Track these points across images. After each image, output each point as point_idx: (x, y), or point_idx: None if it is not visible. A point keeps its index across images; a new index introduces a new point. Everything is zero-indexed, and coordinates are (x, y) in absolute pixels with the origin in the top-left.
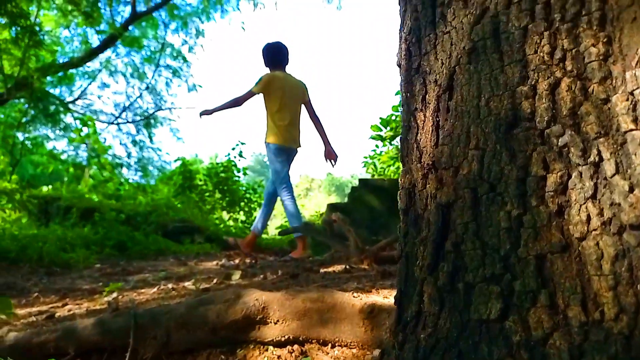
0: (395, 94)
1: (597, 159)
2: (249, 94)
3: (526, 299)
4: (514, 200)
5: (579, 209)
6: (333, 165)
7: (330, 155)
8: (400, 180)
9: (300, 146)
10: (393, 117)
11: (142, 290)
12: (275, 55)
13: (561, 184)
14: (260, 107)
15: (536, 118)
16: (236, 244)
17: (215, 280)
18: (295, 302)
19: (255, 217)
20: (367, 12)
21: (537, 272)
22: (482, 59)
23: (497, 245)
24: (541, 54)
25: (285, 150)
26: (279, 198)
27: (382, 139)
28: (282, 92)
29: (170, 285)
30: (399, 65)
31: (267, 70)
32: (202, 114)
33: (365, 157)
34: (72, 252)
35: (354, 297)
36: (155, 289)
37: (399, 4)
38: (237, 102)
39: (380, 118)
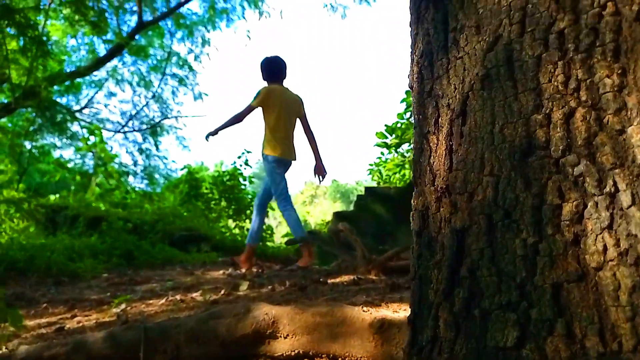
0: (401, 102)
1: (613, 189)
2: (249, 109)
3: (543, 328)
4: (530, 228)
5: (595, 239)
6: (320, 181)
7: (320, 171)
8: (413, 202)
9: (295, 159)
10: (398, 125)
11: (151, 301)
12: (274, 69)
13: (577, 213)
14: (262, 118)
15: (551, 147)
16: (235, 262)
17: (223, 291)
18: (305, 317)
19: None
20: (372, 20)
21: (554, 300)
22: (496, 86)
23: (513, 273)
24: (555, 83)
25: (283, 162)
26: (277, 209)
27: (388, 146)
28: (280, 106)
29: (178, 297)
30: (411, 87)
31: (264, 84)
32: (208, 136)
33: (371, 165)
34: (79, 262)
35: (363, 311)
36: (163, 300)
37: (410, 26)
38: (238, 119)
39: (386, 125)
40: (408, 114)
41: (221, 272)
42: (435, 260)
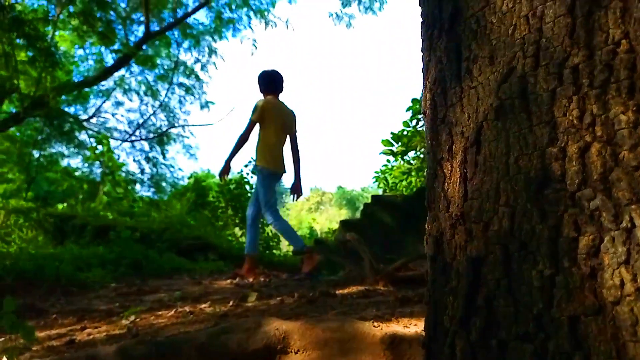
0: (407, 110)
1: (629, 225)
2: (252, 124)
3: None
4: (546, 259)
5: (612, 273)
6: (294, 200)
7: (297, 190)
8: (427, 226)
9: (286, 171)
10: (404, 132)
11: (160, 313)
12: (271, 82)
13: (593, 247)
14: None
15: (567, 180)
16: (239, 275)
17: (231, 303)
18: (315, 332)
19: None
20: (379, 28)
21: (571, 333)
22: (510, 117)
23: (530, 304)
24: (570, 117)
25: (277, 175)
26: (266, 220)
27: (394, 153)
28: (277, 119)
29: (187, 308)
30: (424, 113)
31: (260, 96)
32: (221, 175)
33: (377, 172)
34: (88, 272)
35: (374, 326)
36: (172, 312)
37: (422, 52)
38: (244, 139)
39: (392, 133)
40: (414, 122)
41: (228, 281)
42: (450, 287)
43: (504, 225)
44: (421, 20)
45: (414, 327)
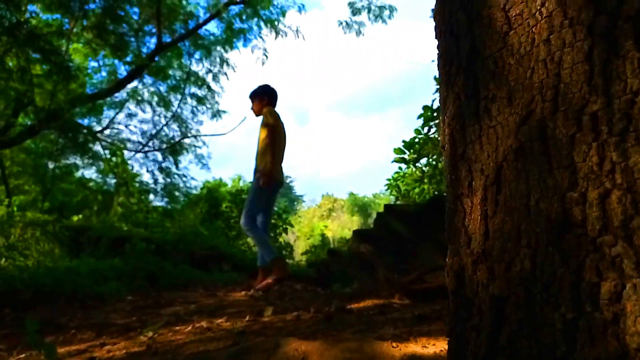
0: (418, 117)
1: None
2: (272, 129)
3: None
4: (568, 303)
5: (635, 320)
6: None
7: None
8: (448, 260)
9: (283, 183)
10: (416, 140)
11: (177, 328)
12: (273, 95)
13: (615, 294)
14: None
15: (587, 225)
16: (260, 288)
17: (247, 318)
18: (334, 352)
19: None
20: (388, 36)
21: None
22: (530, 159)
23: (553, 346)
24: (590, 163)
25: (277, 185)
26: (241, 225)
27: (406, 161)
28: (281, 129)
29: (204, 323)
30: (443, 147)
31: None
32: (265, 184)
33: (389, 180)
34: (104, 285)
35: (392, 347)
36: (190, 327)
37: (439, 85)
38: (275, 145)
39: (403, 141)
40: (425, 129)
41: (242, 292)
42: (472, 323)
43: (526, 267)
44: (437, 53)
45: (432, 346)
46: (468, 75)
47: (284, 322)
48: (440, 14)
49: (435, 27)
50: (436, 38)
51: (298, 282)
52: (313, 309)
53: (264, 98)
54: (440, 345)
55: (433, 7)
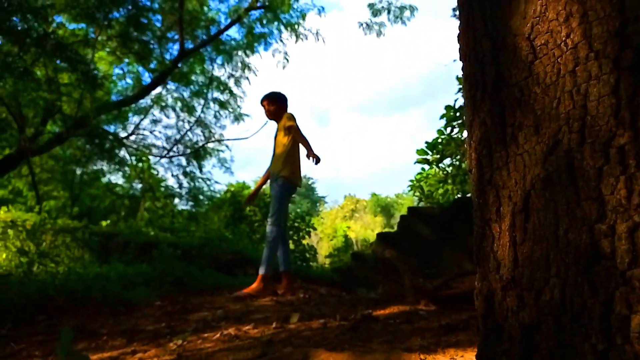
0: (440, 118)
1: None
2: (298, 129)
3: None
4: (599, 334)
5: None
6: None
7: (312, 155)
8: (477, 284)
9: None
10: (439, 140)
11: (205, 335)
12: (286, 101)
13: None
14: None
15: (617, 258)
16: (284, 295)
17: (274, 325)
18: None
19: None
20: (408, 34)
21: None
22: (558, 189)
23: None
24: (618, 196)
25: (295, 187)
26: (267, 232)
27: (429, 162)
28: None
29: (231, 330)
30: (470, 171)
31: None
32: (317, 160)
33: (412, 181)
34: (133, 290)
35: (420, 359)
36: (218, 334)
37: (465, 109)
38: (306, 140)
39: (426, 142)
40: (448, 129)
41: (268, 297)
42: (502, 348)
43: (556, 296)
44: (463, 75)
45: (461, 358)
46: (494, 102)
47: (310, 331)
48: (464, 38)
49: (460, 49)
50: (460, 60)
51: (322, 286)
52: (339, 316)
53: (284, 103)
54: (468, 358)
55: (454, 6)
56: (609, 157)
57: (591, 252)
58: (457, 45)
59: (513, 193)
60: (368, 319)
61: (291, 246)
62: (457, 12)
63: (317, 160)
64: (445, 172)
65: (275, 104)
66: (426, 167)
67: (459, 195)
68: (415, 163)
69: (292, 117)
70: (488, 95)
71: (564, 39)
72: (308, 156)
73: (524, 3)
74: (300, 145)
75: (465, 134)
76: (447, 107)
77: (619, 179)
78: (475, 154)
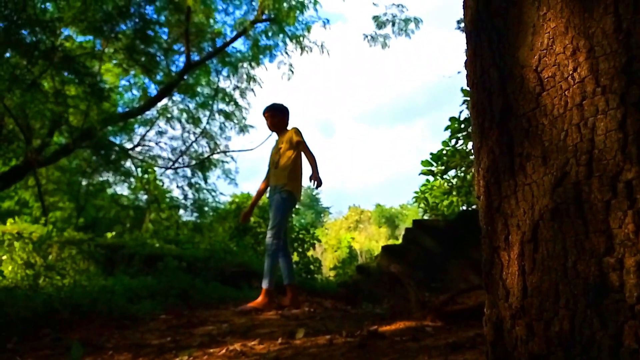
0: (445, 129)
1: None
2: (306, 145)
3: None
4: None
5: None
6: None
7: (316, 177)
8: (487, 311)
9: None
10: (444, 152)
11: (211, 351)
12: (288, 112)
13: None
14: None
15: (625, 292)
16: (289, 308)
17: (280, 340)
18: None
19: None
20: (413, 45)
21: None
22: (566, 221)
23: None
24: (626, 230)
25: (296, 202)
26: (268, 244)
27: (433, 174)
28: None
29: (237, 347)
30: (479, 198)
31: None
32: (318, 184)
33: (417, 192)
34: (138, 303)
35: None
36: (223, 350)
37: (473, 135)
38: (313, 156)
39: (431, 153)
40: (453, 141)
41: (273, 311)
42: None
43: (565, 328)
44: (470, 101)
45: None
46: (502, 132)
47: (316, 347)
48: (472, 66)
49: (467, 76)
50: (468, 86)
51: (327, 299)
52: (345, 332)
53: (286, 115)
54: None
55: (459, 18)
56: (617, 191)
57: (600, 285)
58: (463, 58)
59: (521, 222)
60: (374, 335)
61: (295, 258)
62: (462, 25)
63: (319, 184)
64: (450, 184)
65: (278, 116)
66: (431, 178)
67: (464, 207)
68: (420, 174)
69: (299, 133)
70: (496, 124)
71: (571, 72)
72: (311, 178)
73: (531, 35)
74: (305, 160)
75: (469, 145)
76: (452, 119)
77: (627, 213)
78: (484, 182)
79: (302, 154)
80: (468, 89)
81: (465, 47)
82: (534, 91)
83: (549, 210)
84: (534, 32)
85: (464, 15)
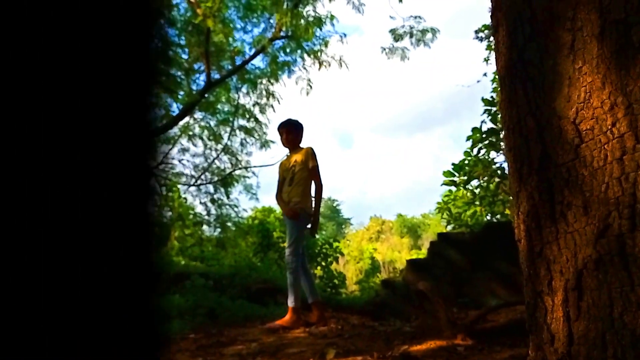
0: (467, 139)
1: None
2: (319, 172)
3: None
4: None
5: None
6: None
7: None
8: (531, 352)
9: None
10: (466, 162)
11: None
12: (302, 129)
13: None
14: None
15: None
16: (317, 326)
17: None
18: None
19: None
20: (430, 55)
21: None
22: (610, 272)
23: None
24: None
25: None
26: (288, 262)
27: (456, 184)
28: None
29: None
30: (519, 241)
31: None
32: (314, 233)
33: (439, 203)
34: (168, 323)
35: None
36: None
37: (510, 178)
38: (321, 187)
39: (453, 164)
40: (475, 151)
41: (300, 329)
42: None
43: None
44: (506, 145)
45: None
46: (541, 178)
47: None
48: (507, 110)
49: (502, 118)
50: (503, 129)
51: (354, 314)
52: (376, 353)
53: (300, 131)
54: None
55: (476, 28)
56: None
57: None
58: (479, 67)
59: (565, 269)
60: (407, 357)
61: (319, 272)
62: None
63: (314, 233)
64: (473, 194)
65: (293, 132)
66: (453, 188)
67: (487, 217)
68: (442, 185)
69: (315, 157)
70: (535, 171)
71: (609, 127)
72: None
73: (567, 87)
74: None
75: (492, 154)
76: (474, 129)
77: None
78: (524, 225)
79: (316, 172)
80: (489, 98)
81: (500, 91)
82: (572, 142)
83: (592, 260)
84: (570, 84)
85: (496, 60)
